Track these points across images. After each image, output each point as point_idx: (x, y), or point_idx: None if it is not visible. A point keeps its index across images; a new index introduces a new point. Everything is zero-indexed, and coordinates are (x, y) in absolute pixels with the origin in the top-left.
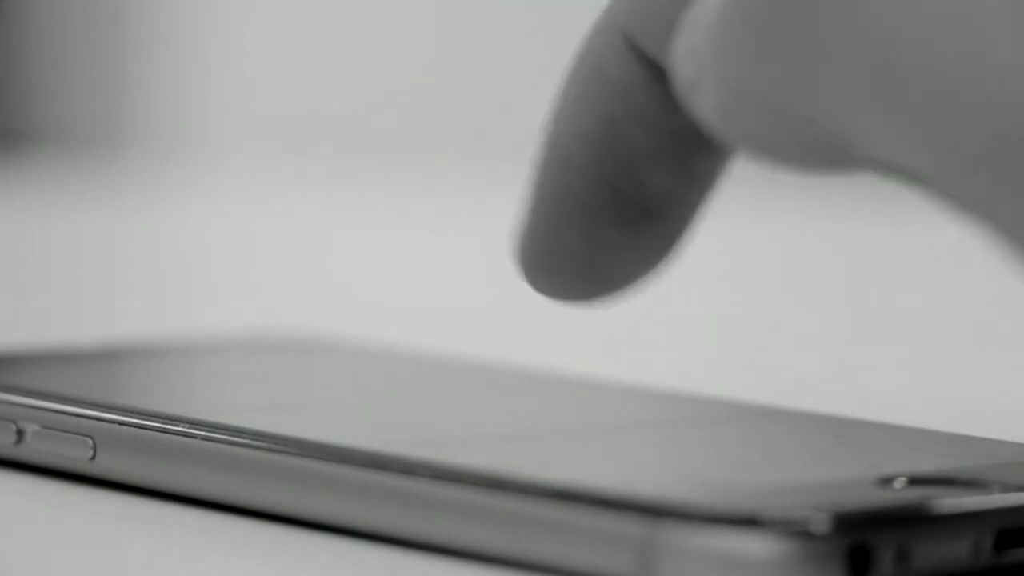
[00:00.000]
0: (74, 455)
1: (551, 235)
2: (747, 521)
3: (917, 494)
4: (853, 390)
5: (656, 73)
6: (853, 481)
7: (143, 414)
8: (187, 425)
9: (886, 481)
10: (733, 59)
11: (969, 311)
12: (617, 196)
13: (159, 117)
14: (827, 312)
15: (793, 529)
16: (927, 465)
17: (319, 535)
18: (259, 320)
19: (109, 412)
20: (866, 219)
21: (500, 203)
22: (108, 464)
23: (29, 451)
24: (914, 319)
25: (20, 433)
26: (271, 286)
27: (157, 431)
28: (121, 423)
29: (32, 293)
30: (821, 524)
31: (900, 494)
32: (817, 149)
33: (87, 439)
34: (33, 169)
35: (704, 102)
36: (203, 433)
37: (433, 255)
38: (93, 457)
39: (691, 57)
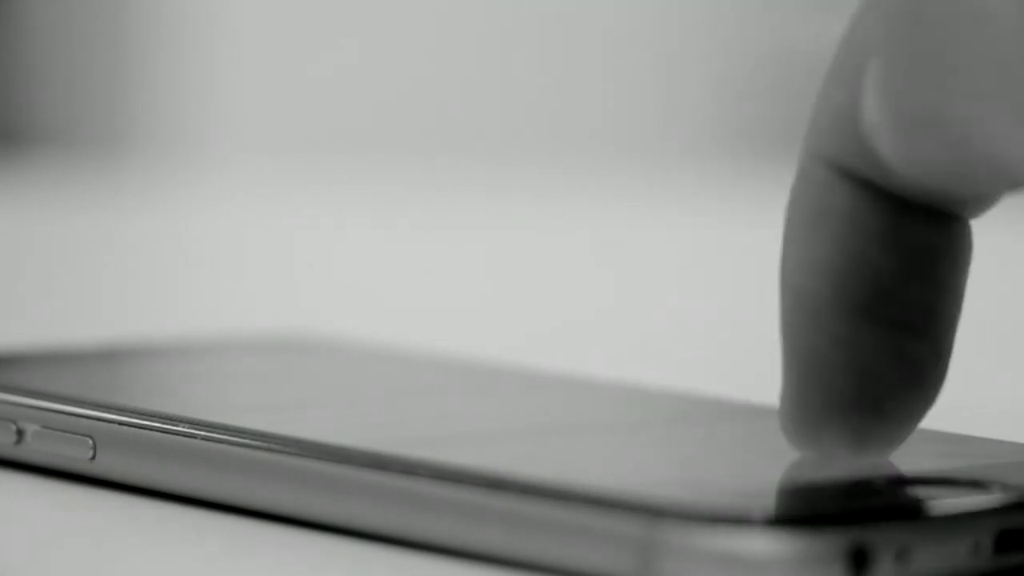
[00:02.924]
0: (74, 455)
1: (821, 386)
2: (747, 521)
3: (917, 494)
4: None
5: (874, 191)
6: (853, 481)
7: (143, 414)
8: (187, 425)
9: (886, 481)
10: (892, 83)
11: (969, 311)
12: (876, 324)
13: (159, 117)
14: None
15: (793, 529)
16: (927, 465)
17: (319, 535)
18: (259, 320)
19: (109, 412)
20: None
21: (500, 203)
22: (108, 464)
23: (29, 451)
24: None
25: (20, 433)
26: (271, 286)
27: (157, 431)
28: (121, 423)
29: (32, 293)
30: (821, 524)
31: (900, 494)
32: (978, 168)
33: (87, 439)
34: (33, 169)
35: (881, 137)
36: (203, 433)
37: (433, 255)
38: (93, 457)
39: (870, 98)
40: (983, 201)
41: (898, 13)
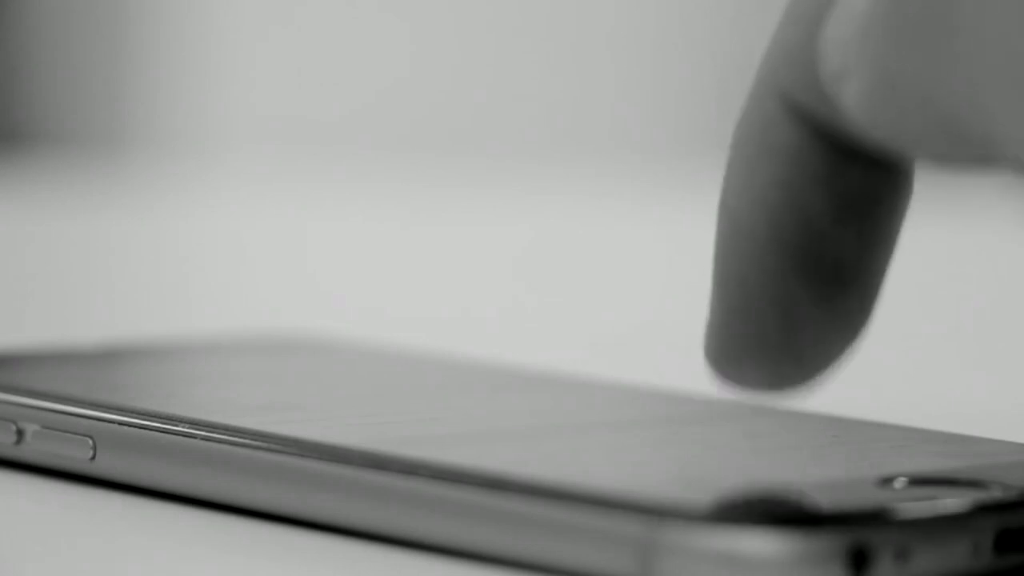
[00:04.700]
0: (74, 455)
1: (744, 322)
2: (747, 521)
3: (917, 494)
4: (853, 390)
5: (821, 132)
6: (853, 481)
7: (143, 414)
8: (187, 425)
9: (886, 481)
10: (879, 47)
11: (969, 311)
12: (805, 269)
13: (159, 117)
14: None
15: (793, 529)
16: (927, 465)
17: (319, 535)
18: (259, 320)
19: (109, 412)
20: None
21: (500, 203)
22: (108, 464)
23: (29, 451)
24: (914, 319)
25: (20, 433)
26: (271, 286)
27: (157, 431)
28: (121, 423)
29: (32, 293)
30: (821, 524)
31: (900, 494)
32: (960, 143)
33: (87, 439)
34: (33, 169)
35: (850, 91)
36: (203, 433)
37: (433, 255)
38: (93, 457)
39: (838, 46)
40: (945, 165)
41: None
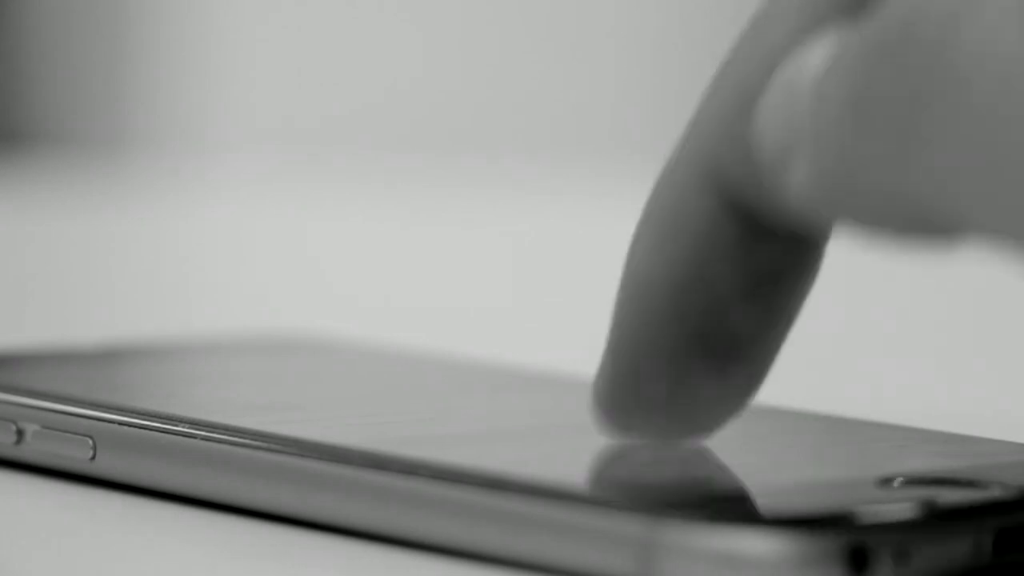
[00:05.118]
0: (74, 455)
1: (636, 385)
2: (747, 521)
3: (917, 494)
4: (854, 390)
5: (736, 207)
6: (853, 481)
7: (143, 414)
8: (187, 425)
9: (886, 481)
10: (834, 128)
11: (969, 311)
12: (703, 340)
13: (159, 117)
14: (826, 311)
15: (793, 529)
16: (927, 465)
17: (319, 535)
18: (259, 320)
19: (109, 412)
20: None
21: (500, 202)
22: (108, 464)
23: (29, 451)
24: (914, 318)
25: (20, 433)
26: (271, 286)
27: (157, 431)
28: (121, 423)
29: (32, 293)
30: (821, 524)
31: (900, 494)
32: (922, 225)
33: (87, 439)
34: (33, 169)
35: (796, 172)
36: (203, 433)
37: (433, 255)
38: (93, 457)
39: (783, 122)
40: (898, 241)
41: (853, 68)
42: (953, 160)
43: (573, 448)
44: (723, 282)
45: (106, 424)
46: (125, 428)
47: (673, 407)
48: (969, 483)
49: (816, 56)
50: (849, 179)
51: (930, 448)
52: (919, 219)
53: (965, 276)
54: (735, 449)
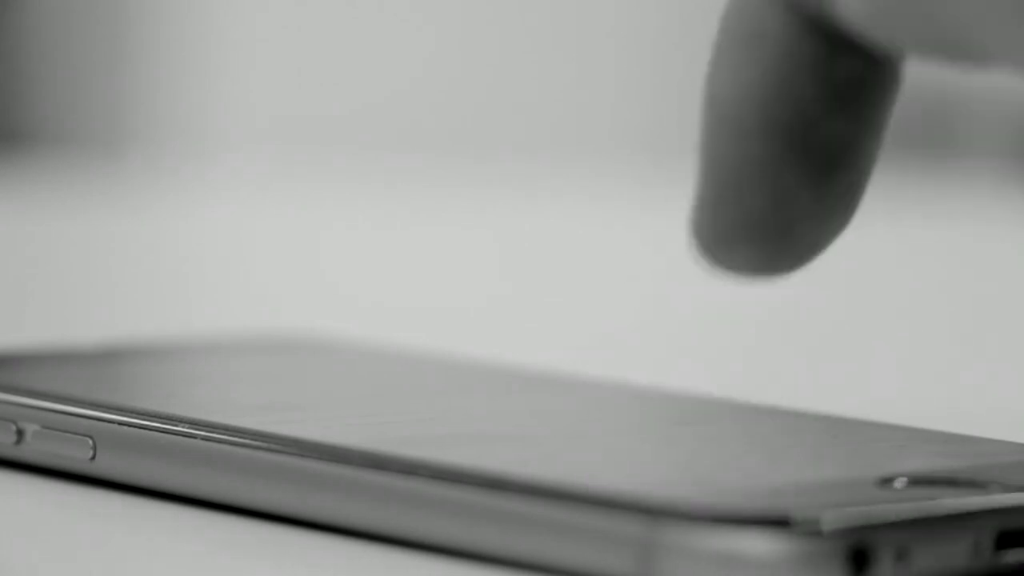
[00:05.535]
0: (74, 455)
1: (736, 204)
2: (747, 521)
3: (917, 494)
4: (853, 390)
5: (810, 20)
6: (853, 481)
7: (143, 414)
8: (187, 425)
9: (886, 481)
10: None
11: (969, 311)
12: (796, 150)
13: (159, 117)
14: (825, 311)
15: (793, 529)
16: (927, 465)
17: (319, 535)
18: (259, 320)
19: (109, 412)
20: (867, 217)
21: (500, 202)
22: (108, 464)
23: (29, 451)
24: (914, 318)
25: (20, 433)
26: (271, 286)
27: (157, 431)
28: (121, 423)
29: (32, 293)
30: (821, 524)
31: (900, 494)
32: (957, 51)
33: (87, 439)
34: (33, 169)
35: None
36: (203, 433)
37: (433, 254)
38: (93, 457)
39: None
40: (942, 64)
41: None
42: None
43: (573, 448)
44: (807, 95)
45: (106, 424)
46: (125, 428)
47: (775, 227)
48: (969, 483)
49: None
50: (889, 4)
51: (930, 448)
52: (953, 44)
53: (965, 276)
54: (735, 449)
